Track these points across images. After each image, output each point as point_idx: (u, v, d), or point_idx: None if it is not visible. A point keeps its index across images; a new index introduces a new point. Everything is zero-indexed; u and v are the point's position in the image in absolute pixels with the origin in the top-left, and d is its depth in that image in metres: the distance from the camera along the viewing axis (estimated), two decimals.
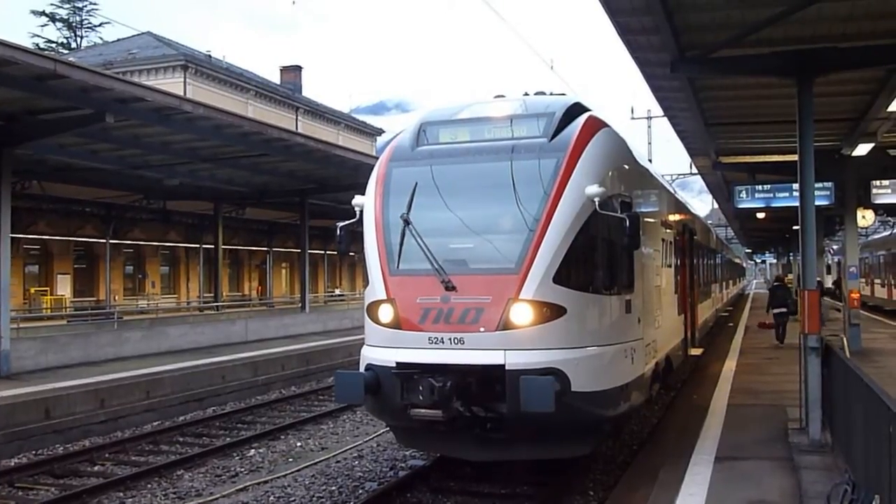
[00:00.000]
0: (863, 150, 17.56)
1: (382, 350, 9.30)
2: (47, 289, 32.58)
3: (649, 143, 44.73)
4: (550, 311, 8.74)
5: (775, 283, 25.25)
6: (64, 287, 33.52)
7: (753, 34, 10.21)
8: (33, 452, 13.25)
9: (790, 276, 36.15)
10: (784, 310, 22.62)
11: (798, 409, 11.10)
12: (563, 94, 11.52)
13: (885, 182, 20.32)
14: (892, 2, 9.78)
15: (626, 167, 10.58)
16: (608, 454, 11.66)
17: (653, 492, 8.47)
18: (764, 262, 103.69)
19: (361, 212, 10.11)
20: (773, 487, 8.39)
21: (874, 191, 20.46)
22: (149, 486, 11.28)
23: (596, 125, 9.94)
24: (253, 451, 13.30)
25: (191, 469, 12.13)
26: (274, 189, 29.37)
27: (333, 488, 10.77)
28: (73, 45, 65.94)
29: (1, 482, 11.42)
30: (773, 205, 20.22)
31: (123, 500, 10.68)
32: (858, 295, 21.08)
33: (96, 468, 12.49)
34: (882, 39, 10.92)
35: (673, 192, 17.52)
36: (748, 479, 8.68)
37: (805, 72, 10.82)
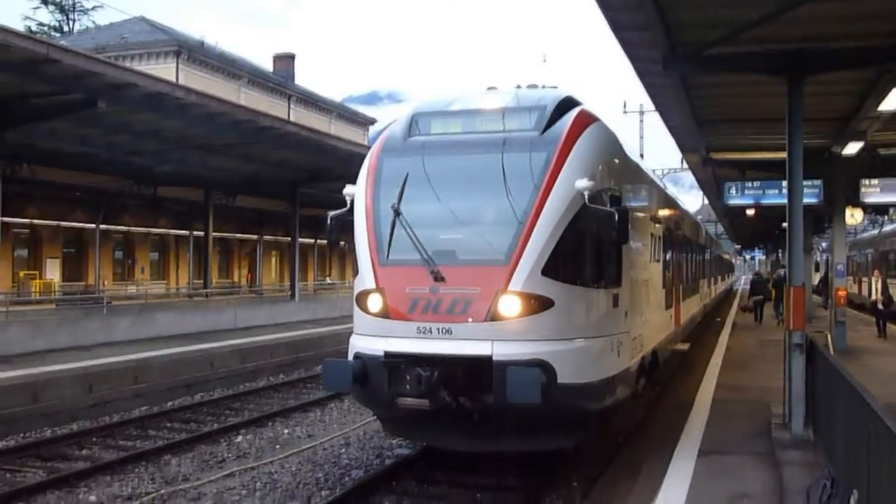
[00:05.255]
0: (852, 149, 17.63)
1: (371, 339, 9.34)
2: (36, 273, 32.50)
3: (641, 138, 44.87)
4: (538, 303, 8.80)
5: (754, 277, 34.51)
6: (53, 271, 33.46)
7: (745, 32, 10.22)
8: (21, 436, 13.27)
9: (779, 271, 37.50)
10: (761, 297, 29.74)
11: (781, 405, 11.21)
12: (555, 88, 11.54)
13: (874, 181, 20.36)
14: (882, 3, 9.83)
15: (617, 161, 10.62)
16: (593, 447, 11.73)
17: (636, 485, 8.57)
18: (753, 258, 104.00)
19: (352, 202, 10.13)
20: (755, 482, 8.50)
21: (863, 189, 20.49)
22: (136, 470, 11.30)
23: (587, 119, 9.97)
24: (240, 437, 13.35)
25: (178, 454, 12.16)
26: (265, 178, 29.31)
27: (320, 475, 10.84)
28: (66, 28, 65.52)
29: None
30: (763, 202, 20.24)
31: (110, 484, 10.70)
32: (846, 293, 21.20)
33: (84, 452, 12.52)
34: (873, 40, 10.96)
35: (663, 187, 17.56)
36: (730, 474, 8.79)
37: (795, 71, 10.88)
